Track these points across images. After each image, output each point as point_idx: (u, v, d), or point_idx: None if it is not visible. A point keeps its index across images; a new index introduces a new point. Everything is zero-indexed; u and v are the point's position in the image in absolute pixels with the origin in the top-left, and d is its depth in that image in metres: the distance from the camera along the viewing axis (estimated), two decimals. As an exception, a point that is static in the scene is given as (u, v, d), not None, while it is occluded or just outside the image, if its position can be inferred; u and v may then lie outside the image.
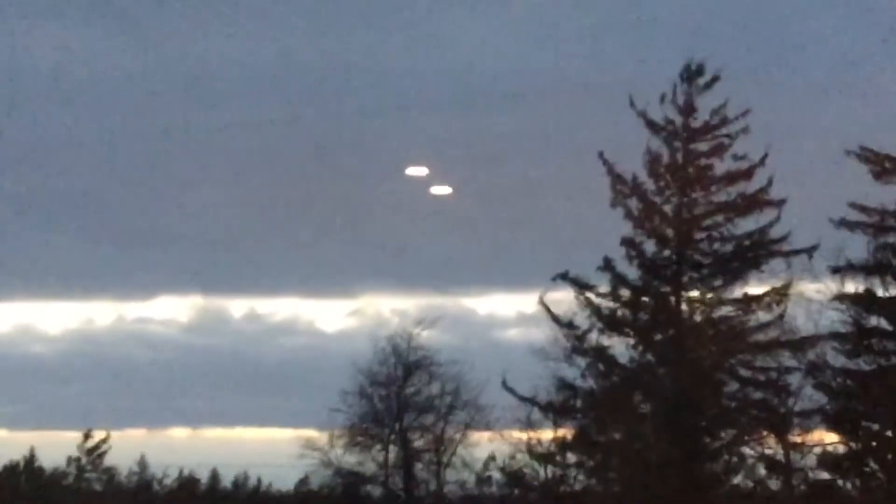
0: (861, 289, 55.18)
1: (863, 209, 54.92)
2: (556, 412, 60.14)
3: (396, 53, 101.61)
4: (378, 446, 72.93)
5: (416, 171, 68.95)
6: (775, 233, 56.66)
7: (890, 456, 54.68)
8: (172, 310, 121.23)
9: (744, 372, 57.29)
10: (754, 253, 56.67)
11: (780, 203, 56.35)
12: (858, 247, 54.97)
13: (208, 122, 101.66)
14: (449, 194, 69.46)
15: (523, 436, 64.81)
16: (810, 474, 57.55)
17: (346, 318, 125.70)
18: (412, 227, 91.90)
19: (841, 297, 55.17)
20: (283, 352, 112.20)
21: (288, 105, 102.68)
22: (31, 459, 61.21)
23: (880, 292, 54.78)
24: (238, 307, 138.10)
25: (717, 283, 56.95)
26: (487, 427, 70.51)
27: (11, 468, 61.97)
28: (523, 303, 57.48)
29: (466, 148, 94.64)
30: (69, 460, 58.72)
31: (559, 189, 79.37)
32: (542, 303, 58.17)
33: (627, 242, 56.76)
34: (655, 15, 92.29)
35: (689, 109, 56.50)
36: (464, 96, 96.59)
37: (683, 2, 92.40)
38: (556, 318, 57.85)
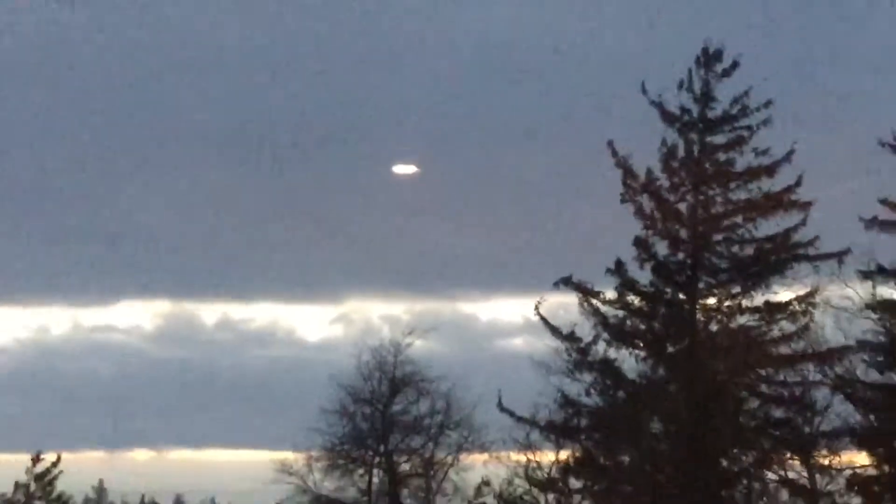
0: (894, 294, 53.30)
1: (896, 207, 52.90)
2: (558, 432, 57.74)
3: (391, 51, 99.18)
4: (361, 470, 69.25)
5: (404, 168, 66.79)
6: (801, 236, 54.18)
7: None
8: (136, 316, 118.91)
9: (765, 388, 55.33)
10: (777, 257, 54.22)
11: (806, 204, 53.96)
12: (891, 249, 53.01)
13: (176, 111, 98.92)
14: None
15: (522, 458, 61.99)
16: (839, 500, 55.55)
17: (329, 325, 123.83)
18: (403, 226, 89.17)
19: (872, 305, 53.22)
20: (259, 364, 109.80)
21: (268, 99, 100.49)
22: (-29, 485, 58.03)
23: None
24: (209, 313, 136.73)
25: (736, 289, 54.57)
26: (482, 449, 67.11)
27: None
28: (529, 308, 57.53)
29: (464, 142, 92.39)
30: (16, 486, 55.24)
31: (566, 186, 76.59)
32: (539, 313, 55.69)
33: (640, 243, 54.34)
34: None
35: (706, 98, 54.25)
36: (462, 92, 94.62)
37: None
38: (555, 330, 55.35)
